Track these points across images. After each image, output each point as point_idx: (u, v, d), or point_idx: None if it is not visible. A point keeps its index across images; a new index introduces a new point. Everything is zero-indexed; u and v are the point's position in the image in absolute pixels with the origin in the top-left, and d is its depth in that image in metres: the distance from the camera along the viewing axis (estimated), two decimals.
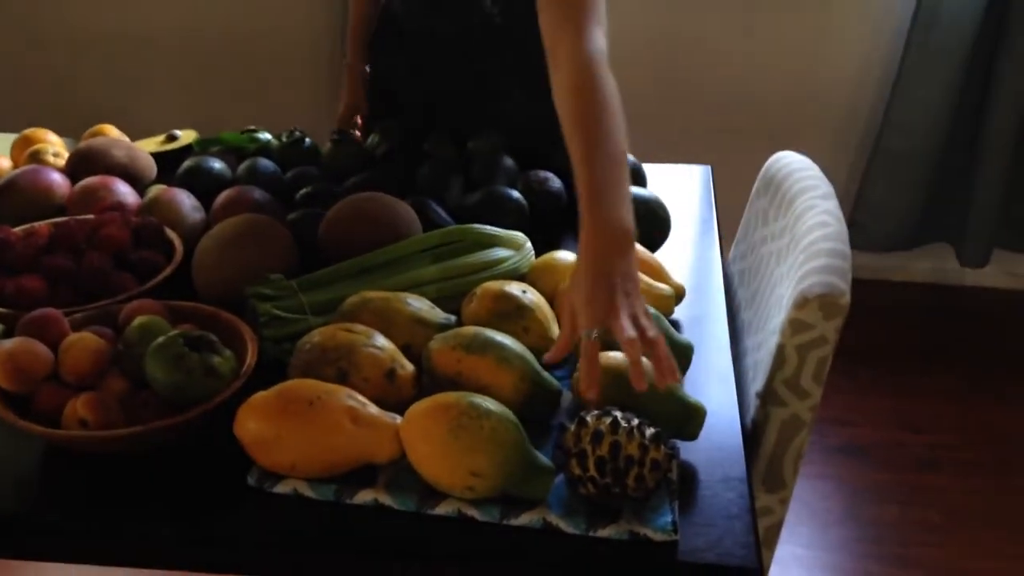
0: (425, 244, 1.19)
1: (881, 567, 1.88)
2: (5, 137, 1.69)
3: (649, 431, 0.86)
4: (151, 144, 1.66)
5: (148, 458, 0.95)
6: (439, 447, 0.86)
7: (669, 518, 0.86)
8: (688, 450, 0.96)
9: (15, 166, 1.53)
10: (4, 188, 1.36)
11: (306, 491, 0.90)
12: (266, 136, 1.61)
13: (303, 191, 1.38)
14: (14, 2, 2.77)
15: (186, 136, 1.67)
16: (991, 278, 2.80)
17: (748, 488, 0.91)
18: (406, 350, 1.02)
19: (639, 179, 1.44)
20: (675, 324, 1.18)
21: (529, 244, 1.24)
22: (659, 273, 1.19)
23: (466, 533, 0.86)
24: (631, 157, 1.45)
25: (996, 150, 2.49)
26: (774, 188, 1.40)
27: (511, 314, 1.05)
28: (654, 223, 1.31)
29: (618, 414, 0.86)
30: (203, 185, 1.42)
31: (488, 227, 1.22)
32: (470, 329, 0.99)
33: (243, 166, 1.45)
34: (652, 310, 1.06)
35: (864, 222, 2.66)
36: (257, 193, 1.32)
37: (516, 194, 1.35)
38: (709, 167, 1.65)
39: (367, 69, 1.67)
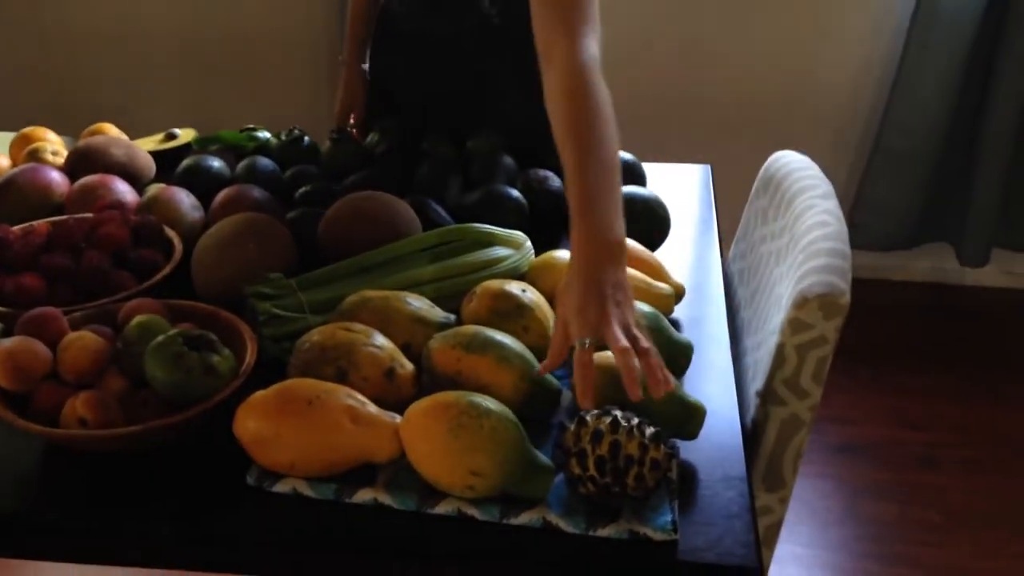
0: (424, 243, 1.19)
1: (880, 566, 1.88)
2: (4, 135, 1.69)
3: (649, 430, 0.85)
4: (150, 143, 1.66)
5: (147, 457, 0.95)
6: (439, 446, 0.86)
7: (669, 517, 0.86)
8: (688, 449, 0.96)
9: (14, 164, 1.53)
10: (3, 187, 1.35)
11: (306, 490, 0.90)
12: (265, 135, 1.60)
13: (302, 190, 1.38)
14: (14, 1, 2.77)
15: (185, 135, 1.67)
16: (991, 277, 2.80)
17: (748, 487, 0.91)
18: (406, 349, 1.02)
19: (639, 178, 1.44)
20: (675, 323, 1.18)
21: (529, 243, 1.24)
22: (659, 272, 1.19)
23: (466, 532, 0.86)
24: (631, 156, 1.45)
25: (996, 150, 2.49)
26: (774, 187, 1.40)
27: (511, 313, 1.05)
28: (654, 222, 1.31)
29: (618, 413, 0.86)
30: (202, 184, 1.42)
31: (487, 226, 1.22)
32: (470, 328, 0.99)
33: (242, 165, 1.45)
34: (651, 309, 1.06)
35: (864, 221, 2.66)
36: (256, 192, 1.32)
37: (515, 193, 1.35)
38: (709, 166, 1.65)
39: (365, 68, 1.67)
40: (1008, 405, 2.34)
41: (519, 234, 1.24)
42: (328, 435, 0.88)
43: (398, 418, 0.91)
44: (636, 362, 0.85)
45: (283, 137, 1.55)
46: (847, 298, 1.06)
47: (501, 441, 0.86)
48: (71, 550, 0.89)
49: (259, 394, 0.92)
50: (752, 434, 1.13)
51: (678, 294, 1.18)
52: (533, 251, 1.24)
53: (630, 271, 1.14)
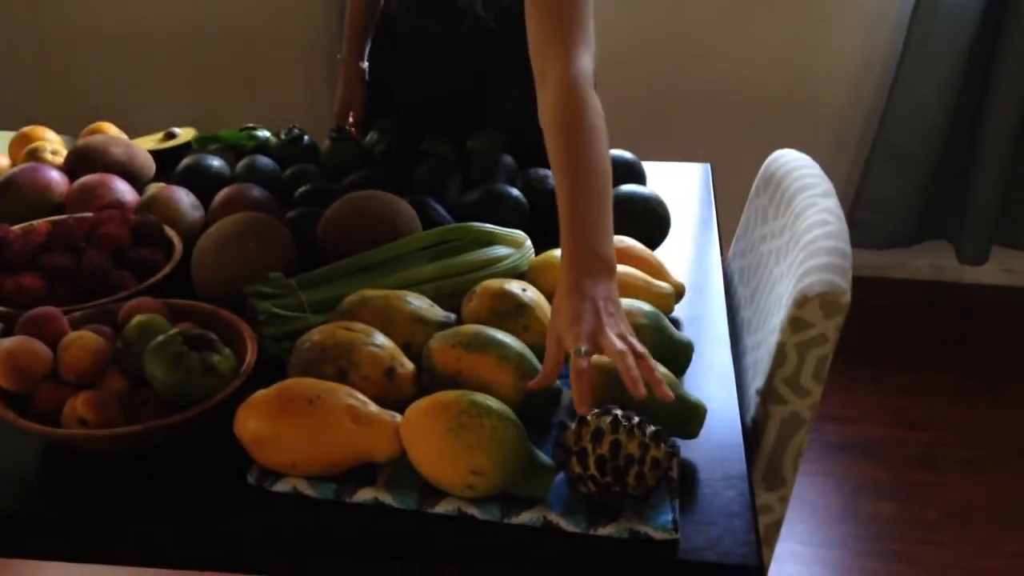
0: (424, 242, 1.19)
1: (879, 564, 1.88)
2: (3, 135, 1.68)
3: (649, 429, 0.85)
4: (149, 142, 1.66)
5: (148, 457, 0.95)
6: (439, 445, 0.86)
7: (670, 516, 0.86)
8: (688, 448, 0.96)
9: (13, 164, 1.53)
10: (2, 186, 1.35)
11: (306, 490, 0.90)
12: (265, 134, 1.60)
13: (302, 189, 1.37)
14: (14, 1, 2.76)
15: (185, 134, 1.67)
16: (990, 275, 2.80)
17: (748, 486, 0.91)
18: (406, 348, 1.02)
19: (639, 177, 1.44)
20: (675, 322, 1.18)
21: (529, 242, 1.24)
22: (659, 271, 1.19)
23: (466, 532, 0.86)
24: (631, 155, 1.45)
25: (995, 148, 2.49)
26: (774, 186, 1.40)
27: (511, 312, 1.04)
28: (654, 221, 1.31)
29: (618, 412, 0.86)
30: (202, 183, 1.42)
31: (487, 225, 1.22)
32: (470, 327, 0.99)
33: (242, 164, 1.45)
34: (651, 308, 1.06)
35: (863, 219, 2.66)
36: (256, 191, 1.32)
37: (515, 192, 1.35)
38: (708, 165, 1.65)
39: (364, 66, 1.67)
40: (1008, 404, 2.34)
41: (519, 233, 1.24)
42: (328, 434, 0.88)
43: (398, 417, 0.91)
44: (634, 362, 0.86)
45: (283, 136, 1.55)
46: (847, 297, 1.06)
47: (501, 440, 0.86)
48: (71, 550, 0.89)
49: (259, 394, 0.91)
50: (752, 433, 1.13)
51: (678, 293, 1.18)
52: (533, 250, 1.23)
53: (630, 270, 1.14)
